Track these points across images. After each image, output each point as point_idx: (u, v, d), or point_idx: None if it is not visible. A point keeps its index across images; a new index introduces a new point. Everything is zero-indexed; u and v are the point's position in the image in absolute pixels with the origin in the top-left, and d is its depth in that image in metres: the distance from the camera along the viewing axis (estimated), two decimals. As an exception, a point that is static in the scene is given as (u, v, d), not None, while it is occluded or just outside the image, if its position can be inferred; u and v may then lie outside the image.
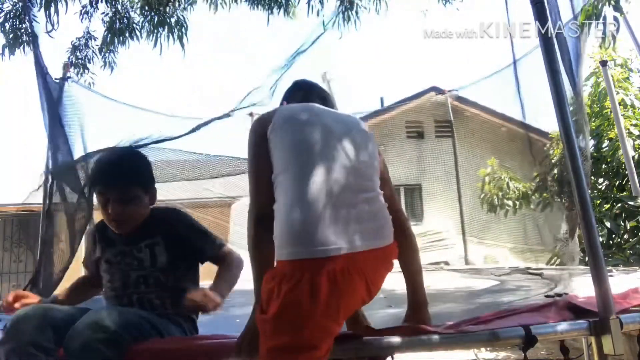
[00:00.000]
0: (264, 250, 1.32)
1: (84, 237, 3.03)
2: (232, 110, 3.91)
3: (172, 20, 4.72)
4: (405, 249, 1.47)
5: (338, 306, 1.21)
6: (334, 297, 1.19)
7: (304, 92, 1.65)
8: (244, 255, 1.53)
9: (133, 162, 1.68)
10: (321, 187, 1.26)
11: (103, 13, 4.76)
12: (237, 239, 8.02)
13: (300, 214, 1.22)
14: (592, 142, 5.82)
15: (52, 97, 3.47)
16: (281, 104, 1.64)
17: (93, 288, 1.80)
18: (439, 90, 7.90)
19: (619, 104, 5.15)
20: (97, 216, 1.83)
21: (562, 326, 1.50)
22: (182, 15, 4.76)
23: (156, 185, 1.70)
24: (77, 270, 1.96)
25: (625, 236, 4.73)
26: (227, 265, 1.65)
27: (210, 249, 1.66)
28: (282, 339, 1.16)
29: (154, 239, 1.61)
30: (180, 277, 1.63)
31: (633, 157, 4.77)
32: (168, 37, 4.69)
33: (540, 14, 1.72)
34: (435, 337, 1.43)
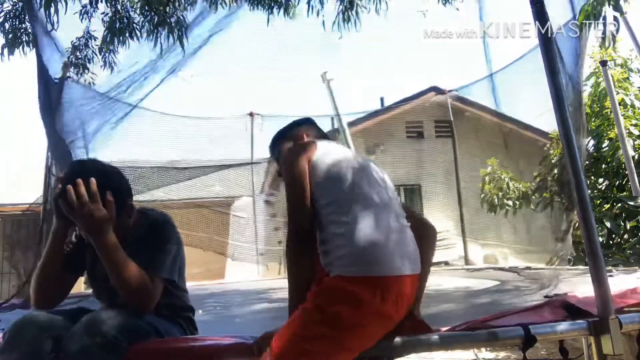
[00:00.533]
0: (303, 264, 1.40)
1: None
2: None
3: (172, 20, 4.71)
4: (426, 248, 1.54)
5: (390, 324, 1.35)
6: (393, 314, 1.34)
7: (319, 130, 1.78)
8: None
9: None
10: (379, 213, 1.41)
11: (103, 13, 4.76)
12: (237, 237, 8.04)
13: (369, 236, 1.35)
14: (592, 142, 5.81)
15: (52, 96, 3.47)
16: (293, 130, 1.73)
17: (55, 301, 1.62)
18: (439, 90, 7.90)
19: (619, 104, 5.15)
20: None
21: (562, 326, 1.50)
22: (182, 15, 4.76)
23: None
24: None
25: (625, 236, 4.72)
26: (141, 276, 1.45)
27: (142, 263, 1.48)
28: (335, 336, 1.27)
29: (134, 246, 1.52)
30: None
31: (633, 157, 4.77)
32: (168, 37, 4.69)
33: (540, 14, 1.73)
34: (435, 337, 1.43)
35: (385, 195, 1.48)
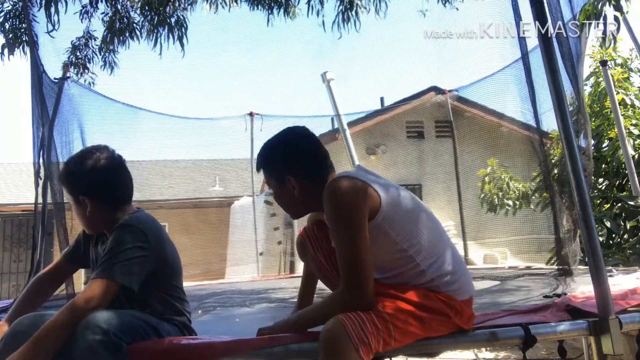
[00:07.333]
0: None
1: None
2: None
3: (172, 20, 4.71)
4: None
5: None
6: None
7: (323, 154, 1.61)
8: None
9: (71, 168, 1.65)
10: (444, 234, 1.55)
11: (103, 13, 4.75)
12: (237, 237, 8.03)
13: (461, 264, 1.50)
14: (592, 142, 5.80)
15: (49, 97, 3.45)
16: (288, 162, 1.56)
17: (50, 288, 1.76)
18: (439, 90, 7.89)
19: (619, 104, 5.14)
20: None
21: (562, 326, 1.50)
22: (182, 15, 4.76)
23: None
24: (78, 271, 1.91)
25: (625, 236, 4.72)
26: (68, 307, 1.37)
27: (97, 270, 1.46)
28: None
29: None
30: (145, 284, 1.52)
31: (633, 157, 4.76)
32: (168, 37, 4.69)
33: (539, 14, 1.73)
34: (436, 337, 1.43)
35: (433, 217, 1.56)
